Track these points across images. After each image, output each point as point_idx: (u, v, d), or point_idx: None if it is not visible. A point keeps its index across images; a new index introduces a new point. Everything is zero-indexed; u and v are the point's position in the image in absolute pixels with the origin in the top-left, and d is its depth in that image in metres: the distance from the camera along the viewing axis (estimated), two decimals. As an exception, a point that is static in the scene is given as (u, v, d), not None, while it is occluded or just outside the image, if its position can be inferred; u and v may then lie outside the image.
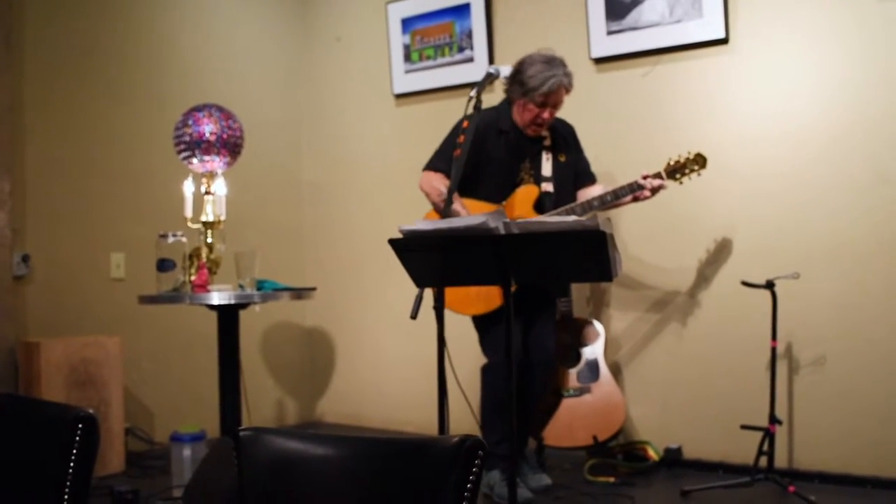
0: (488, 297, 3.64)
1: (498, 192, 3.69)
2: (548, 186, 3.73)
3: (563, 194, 3.75)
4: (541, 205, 3.71)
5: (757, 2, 4.00)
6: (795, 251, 3.88)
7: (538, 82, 3.55)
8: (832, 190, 3.84)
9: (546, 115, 3.65)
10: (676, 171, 3.66)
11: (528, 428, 3.92)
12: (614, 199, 3.62)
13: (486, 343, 3.76)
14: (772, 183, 3.97)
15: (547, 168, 3.75)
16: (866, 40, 3.76)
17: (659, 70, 4.27)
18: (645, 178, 3.60)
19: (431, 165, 3.75)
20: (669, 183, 3.65)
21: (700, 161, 3.67)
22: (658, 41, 4.22)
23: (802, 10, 3.90)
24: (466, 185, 3.61)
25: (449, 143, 3.71)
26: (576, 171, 3.85)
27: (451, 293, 3.66)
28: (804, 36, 3.91)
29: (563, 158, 3.80)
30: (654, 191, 3.62)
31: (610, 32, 4.35)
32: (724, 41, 4.07)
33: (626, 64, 4.35)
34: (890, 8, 3.70)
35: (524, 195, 3.69)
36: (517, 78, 3.61)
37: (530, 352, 3.73)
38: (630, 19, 4.28)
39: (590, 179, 3.90)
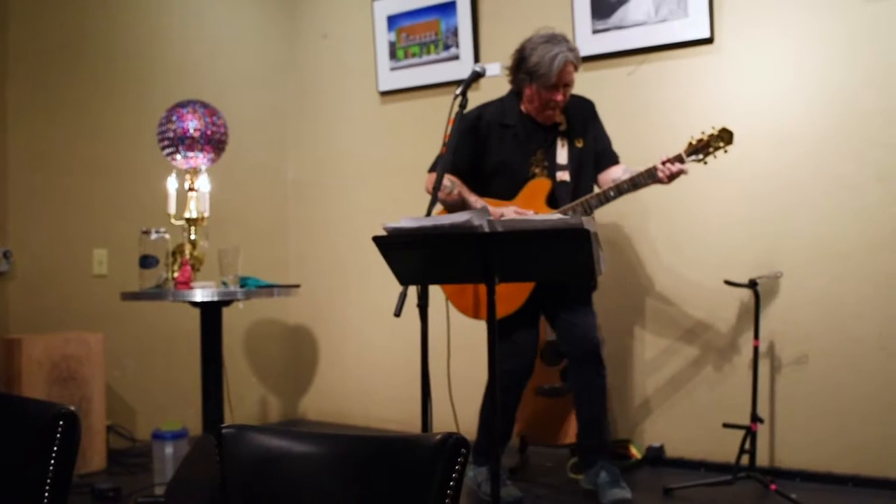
0: (507, 300, 3.49)
1: (509, 189, 3.55)
2: (564, 175, 3.57)
3: (582, 182, 3.59)
4: (554, 198, 3.55)
5: (742, 1, 4.02)
6: (779, 250, 3.90)
7: (545, 66, 3.39)
8: (816, 189, 3.86)
9: (559, 97, 3.48)
10: (699, 150, 3.40)
11: (601, 428, 3.62)
12: (632, 187, 3.41)
13: (501, 354, 3.64)
14: (755, 181, 3.99)
15: (562, 156, 3.59)
16: (851, 40, 3.78)
17: (644, 69, 4.29)
18: (664, 163, 3.37)
19: (432, 170, 3.63)
20: (692, 165, 3.40)
21: (725, 137, 3.39)
22: (643, 40, 4.23)
23: (787, 9, 3.92)
24: (476, 185, 3.54)
25: (449, 144, 3.64)
26: (596, 153, 3.65)
27: (462, 298, 3.58)
28: (789, 36, 3.93)
29: (580, 143, 3.61)
30: (672, 177, 3.37)
31: (595, 31, 4.36)
32: (709, 41, 4.09)
33: (612, 63, 4.36)
34: (875, 7, 3.72)
35: (533, 190, 3.54)
36: (522, 66, 3.47)
37: (572, 347, 3.58)
38: (615, 18, 4.30)
39: (611, 160, 3.68)
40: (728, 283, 3.70)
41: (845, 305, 3.79)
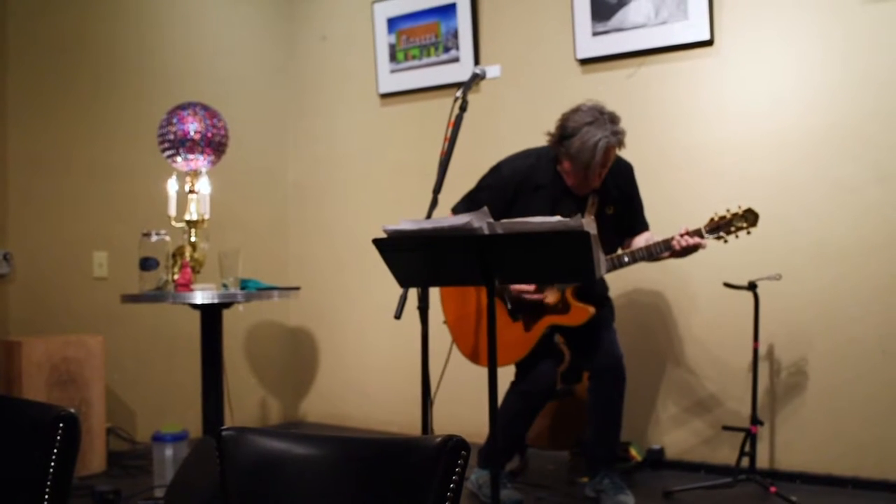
0: (517, 347, 3.52)
1: None
2: None
3: (604, 246, 3.42)
4: None
5: (742, 4, 4.02)
6: (778, 252, 3.90)
7: (587, 153, 3.29)
8: (815, 191, 3.87)
9: (596, 179, 3.41)
10: (720, 227, 3.34)
11: (612, 440, 3.61)
12: (647, 256, 3.39)
13: (523, 376, 3.58)
14: (755, 184, 3.99)
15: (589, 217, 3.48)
16: (850, 42, 3.79)
17: (644, 71, 4.29)
18: (682, 235, 3.33)
19: (454, 209, 3.58)
20: (710, 242, 3.35)
21: (750, 218, 3.34)
22: (643, 42, 4.24)
23: (786, 12, 3.93)
24: None
25: (477, 192, 3.57)
26: (628, 219, 3.59)
27: (465, 341, 3.55)
28: (788, 38, 3.93)
29: (610, 210, 3.52)
30: (686, 250, 3.33)
31: (595, 33, 4.36)
32: (708, 43, 4.09)
33: (612, 65, 4.36)
34: (873, 10, 3.73)
35: None
36: (562, 137, 3.37)
37: (596, 362, 3.55)
38: (616, 20, 4.30)
39: (641, 227, 3.62)
40: (727, 285, 3.70)
41: (845, 307, 3.79)
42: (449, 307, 3.62)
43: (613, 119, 3.37)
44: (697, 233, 3.36)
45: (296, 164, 5.67)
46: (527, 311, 3.53)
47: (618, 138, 3.35)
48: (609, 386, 3.54)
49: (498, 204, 3.47)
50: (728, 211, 3.39)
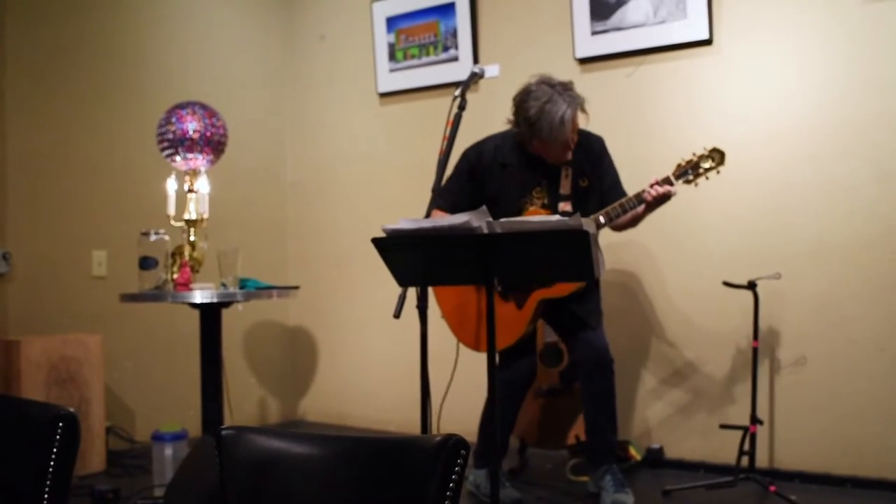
0: (506, 331, 3.52)
1: None
2: (566, 206, 3.49)
3: (585, 214, 3.44)
4: None
5: (741, 3, 4.02)
6: (777, 251, 3.90)
7: (554, 129, 3.31)
8: (814, 191, 3.86)
9: (568, 152, 3.44)
10: (687, 171, 3.36)
11: (607, 433, 3.60)
12: (622, 211, 3.37)
13: (505, 365, 3.62)
14: (754, 183, 3.99)
15: (566, 186, 3.50)
16: (849, 42, 3.79)
17: (643, 70, 4.29)
18: (651, 185, 3.32)
19: (434, 204, 3.49)
20: (681, 187, 3.36)
21: (716, 157, 3.33)
22: (642, 42, 4.24)
23: (786, 11, 3.93)
24: None
25: (450, 181, 3.57)
26: (605, 192, 3.56)
27: (464, 330, 3.58)
28: (788, 38, 3.93)
29: (584, 183, 3.52)
30: (659, 199, 3.32)
31: (594, 33, 4.36)
32: (707, 42, 4.09)
33: (611, 64, 4.37)
34: (873, 10, 3.73)
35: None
36: (525, 124, 3.38)
37: (583, 356, 3.56)
38: (615, 20, 4.30)
39: (619, 197, 3.53)
40: (727, 284, 3.70)
41: (844, 306, 3.79)
42: (444, 299, 3.63)
43: (566, 87, 3.39)
44: (666, 180, 3.36)
45: (295, 162, 5.66)
46: (517, 291, 3.55)
47: (577, 102, 3.38)
48: (597, 378, 3.54)
49: (470, 188, 3.54)
50: (693, 153, 3.39)
